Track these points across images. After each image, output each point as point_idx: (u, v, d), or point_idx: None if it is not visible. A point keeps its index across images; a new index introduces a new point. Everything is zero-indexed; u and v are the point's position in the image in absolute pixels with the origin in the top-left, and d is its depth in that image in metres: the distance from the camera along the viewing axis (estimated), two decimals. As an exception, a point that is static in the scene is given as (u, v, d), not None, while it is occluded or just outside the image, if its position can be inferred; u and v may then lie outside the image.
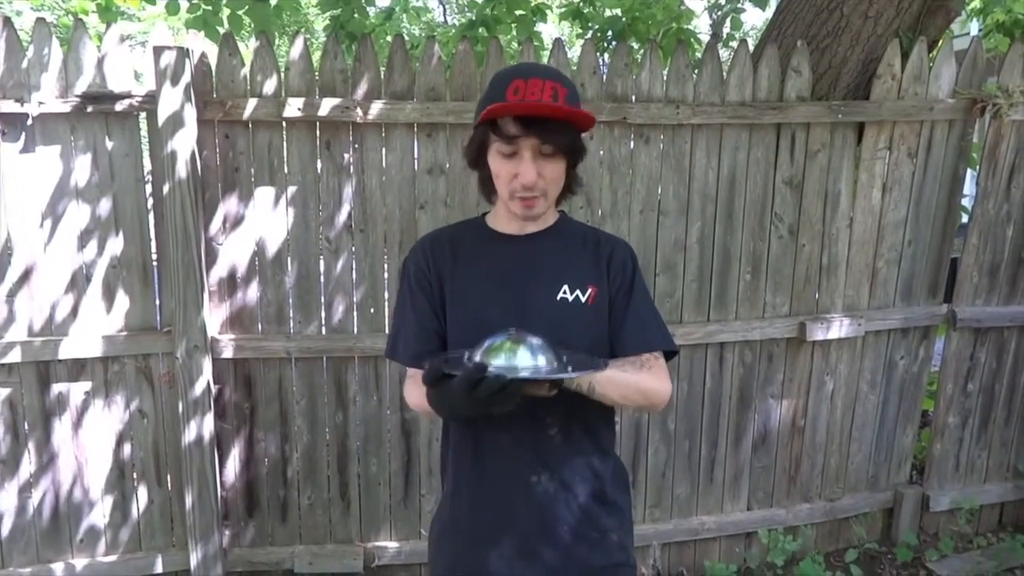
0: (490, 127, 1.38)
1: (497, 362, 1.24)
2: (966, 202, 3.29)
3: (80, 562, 2.72)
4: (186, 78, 2.46)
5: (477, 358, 1.26)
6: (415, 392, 1.53)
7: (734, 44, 3.09)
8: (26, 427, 2.62)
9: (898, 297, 3.15)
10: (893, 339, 3.19)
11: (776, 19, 3.24)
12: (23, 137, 2.47)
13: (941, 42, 3.18)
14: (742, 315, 3.01)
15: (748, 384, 3.08)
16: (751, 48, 2.93)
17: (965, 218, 3.29)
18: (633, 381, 1.44)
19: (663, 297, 2.90)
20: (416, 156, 2.72)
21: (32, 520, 2.68)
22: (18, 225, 2.51)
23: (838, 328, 3.01)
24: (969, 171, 3.17)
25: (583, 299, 1.45)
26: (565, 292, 1.45)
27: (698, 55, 3.36)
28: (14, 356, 2.53)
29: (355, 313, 2.79)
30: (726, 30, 5.16)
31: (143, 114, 2.55)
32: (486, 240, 1.52)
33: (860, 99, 3.00)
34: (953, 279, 3.23)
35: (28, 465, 2.64)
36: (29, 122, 2.46)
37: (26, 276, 2.54)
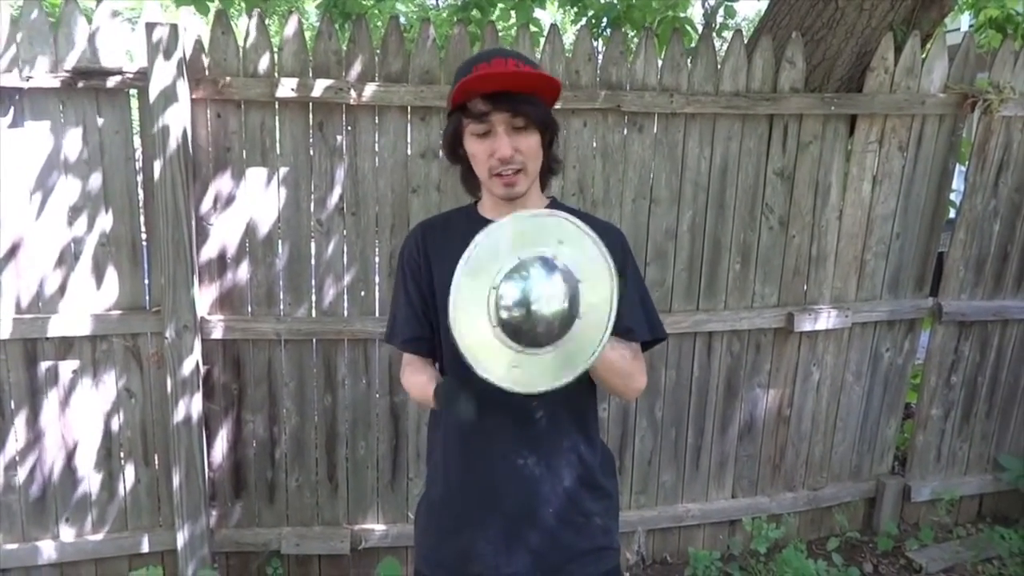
0: (461, 112, 1.41)
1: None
2: (954, 197, 3.31)
3: (66, 540, 2.72)
4: (178, 53, 2.43)
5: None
6: (413, 381, 1.57)
7: (727, 34, 3.09)
8: (12, 405, 2.60)
9: (885, 289, 3.18)
10: (879, 331, 3.22)
11: (771, 10, 3.25)
12: (11, 112, 2.44)
13: (934, 36, 3.19)
14: (731, 304, 3.03)
15: (735, 373, 3.11)
16: (745, 38, 2.94)
17: (953, 213, 3.32)
18: (625, 368, 1.44)
19: (653, 285, 2.91)
20: (409, 139, 2.71)
21: (18, 497, 2.67)
22: (6, 201, 2.48)
23: (825, 319, 3.04)
24: (958, 166, 3.20)
25: None
26: None
27: (693, 44, 3.35)
28: (1, 332, 2.51)
29: (345, 296, 2.78)
30: (720, 18, 5.15)
31: (134, 93, 2.53)
32: (475, 226, 1.51)
33: (853, 92, 3.02)
34: (939, 273, 3.26)
35: (14, 443, 2.63)
36: (18, 97, 2.43)
37: (13, 252, 2.51)
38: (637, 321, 1.50)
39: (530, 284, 1.24)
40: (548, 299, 1.24)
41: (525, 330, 1.25)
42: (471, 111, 1.38)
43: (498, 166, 1.40)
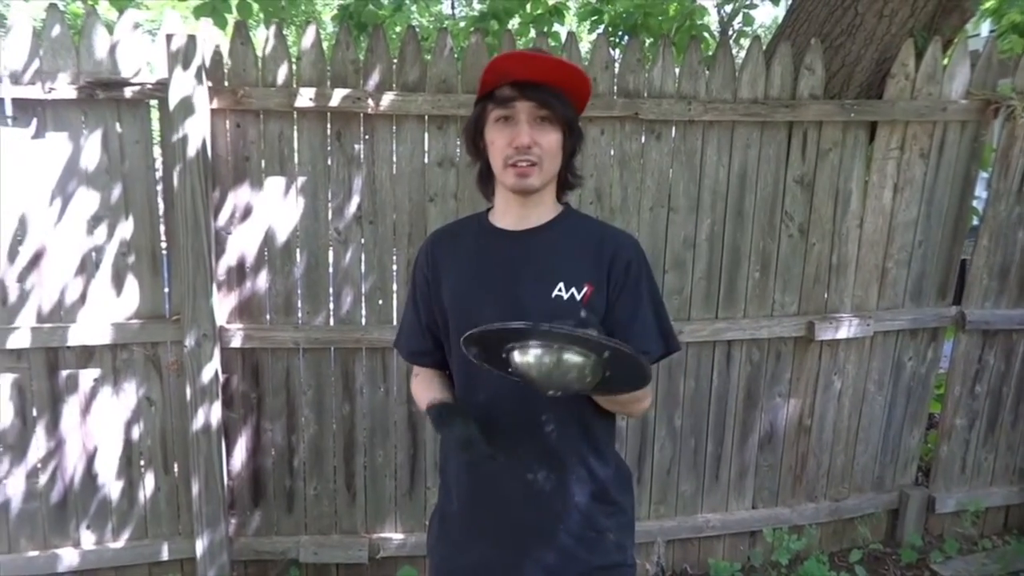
0: (487, 99, 1.41)
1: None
2: (977, 204, 3.27)
3: (87, 547, 2.73)
4: (197, 61, 2.46)
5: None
6: (421, 395, 1.59)
7: (745, 42, 3.08)
8: (34, 413, 2.62)
9: (907, 298, 3.14)
10: (902, 340, 3.18)
11: (789, 17, 3.23)
12: (34, 123, 2.47)
13: (955, 42, 3.16)
14: (750, 313, 3.00)
15: (755, 382, 3.08)
16: (764, 45, 2.92)
17: (976, 220, 3.28)
18: (633, 396, 1.40)
19: (671, 294, 2.90)
20: (426, 148, 2.72)
21: (40, 505, 2.68)
22: (28, 210, 2.51)
23: (847, 328, 3.00)
24: (980, 172, 3.16)
25: (578, 298, 1.40)
26: (560, 290, 1.41)
27: (711, 52, 3.34)
28: (23, 341, 2.53)
29: (363, 304, 2.79)
30: (738, 25, 5.13)
31: (155, 103, 2.56)
32: (485, 236, 1.51)
33: (873, 98, 2.99)
34: (963, 281, 3.21)
35: (36, 451, 2.65)
36: (40, 108, 2.46)
37: (36, 261, 2.54)
38: (651, 339, 1.46)
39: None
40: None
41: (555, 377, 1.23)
42: (497, 96, 1.38)
43: (514, 155, 1.38)
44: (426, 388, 1.57)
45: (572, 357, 1.20)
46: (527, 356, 1.23)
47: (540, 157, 1.39)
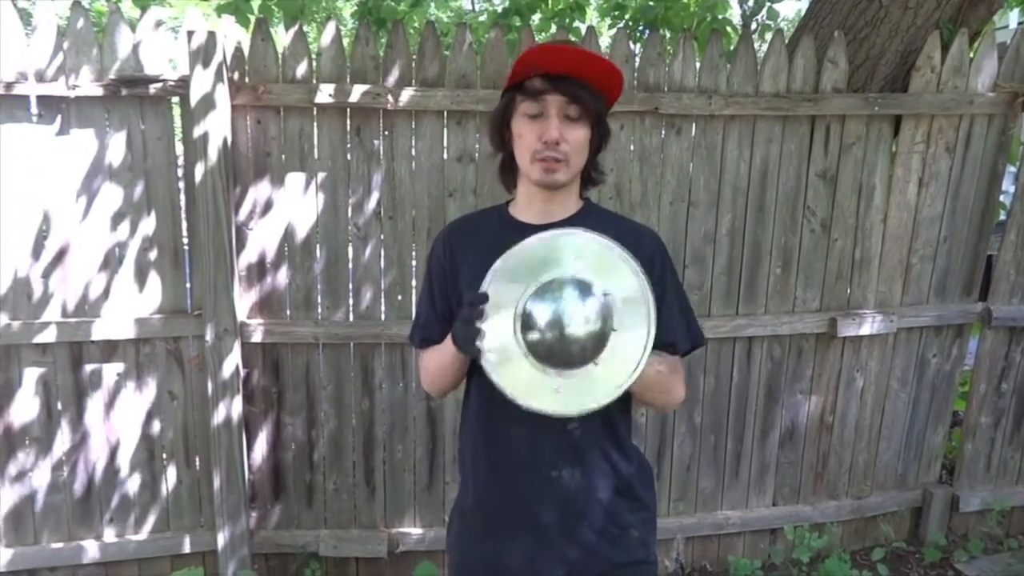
0: (516, 91, 1.40)
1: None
2: (1004, 198, 3.22)
3: (109, 540, 2.76)
4: (218, 58, 2.47)
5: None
6: (430, 355, 1.55)
7: (768, 36, 3.04)
8: (59, 406, 2.66)
9: (932, 294, 3.09)
10: (926, 337, 3.13)
11: (812, 9, 3.19)
12: (58, 120, 2.50)
13: (982, 34, 3.10)
14: (771, 309, 2.98)
15: (776, 379, 3.05)
16: (786, 38, 2.89)
17: (1003, 215, 3.22)
18: (665, 383, 1.42)
19: (691, 290, 2.88)
20: (446, 144, 2.72)
21: (64, 497, 2.72)
22: (53, 207, 2.54)
23: (870, 324, 2.97)
24: (1008, 166, 3.10)
25: None
26: None
27: (732, 47, 3.31)
28: (48, 336, 2.57)
29: (383, 300, 2.79)
30: (762, 19, 5.07)
31: (176, 100, 2.58)
32: (506, 228, 1.48)
33: (898, 91, 2.95)
34: (989, 277, 3.16)
35: (61, 444, 2.68)
36: (64, 105, 2.48)
37: (60, 257, 2.57)
38: (678, 333, 1.46)
39: (562, 305, 1.25)
40: (581, 320, 1.25)
41: (558, 351, 1.25)
42: (527, 89, 1.37)
43: (543, 150, 1.37)
44: (436, 348, 1.53)
45: (571, 310, 1.25)
46: (534, 331, 1.26)
47: (567, 154, 1.38)
